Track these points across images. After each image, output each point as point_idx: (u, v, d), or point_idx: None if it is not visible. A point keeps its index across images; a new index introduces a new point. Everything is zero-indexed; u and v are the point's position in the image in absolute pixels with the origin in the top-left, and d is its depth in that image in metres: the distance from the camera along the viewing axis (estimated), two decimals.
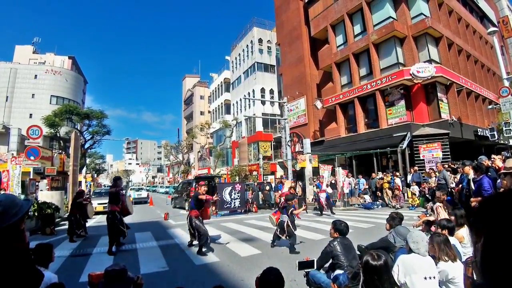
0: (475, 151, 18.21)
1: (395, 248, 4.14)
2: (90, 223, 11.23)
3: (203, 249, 6.55)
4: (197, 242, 6.70)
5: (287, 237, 6.63)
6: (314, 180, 17.25)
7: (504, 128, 13.44)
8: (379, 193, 15.74)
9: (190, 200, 8.60)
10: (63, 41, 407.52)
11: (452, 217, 4.33)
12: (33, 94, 37.98)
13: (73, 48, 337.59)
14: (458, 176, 9.18)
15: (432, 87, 18.87)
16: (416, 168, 15.63)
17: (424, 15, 19.51)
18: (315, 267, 3.62)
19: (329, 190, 14.49)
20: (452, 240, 3.56)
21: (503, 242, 0.50)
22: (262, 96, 32.50)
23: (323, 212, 13.17)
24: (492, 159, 6.54)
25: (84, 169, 31.03)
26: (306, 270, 3.66)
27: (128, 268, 2.51)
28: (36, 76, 38.79)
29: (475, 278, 2.57)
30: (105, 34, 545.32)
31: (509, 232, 0.50)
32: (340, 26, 23.27)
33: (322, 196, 13.35)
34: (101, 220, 12.24)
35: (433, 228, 4.67)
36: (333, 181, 16.04)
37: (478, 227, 0.57)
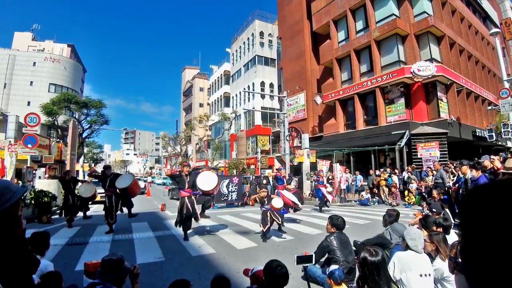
0: (472, 152, 18.31)
1: (390, 245, 4.17)
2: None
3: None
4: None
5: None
6: (311, 175, 17.24)
7: (502, 130, 13.48)
8: (375, 190, 15.81)
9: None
10: (62, 29, 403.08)
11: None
12: (31, 82, 37.67)
13: (73, 36, 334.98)
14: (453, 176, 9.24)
15: (432, 86, 18.85)
16: (413, 166, 15.69)
17: (427, 13, 19.39)
18: (314, 261, 3.64)
19: (330, 188, 14.27)
20: (448, 238, 3.58)
21: (485, 229, 0.51)
22: (262, 90, 32.36)
23: (323, 208, 12.63)
24: (491, 159, 6.57)
25: (82, 158, 31.03)
26: (304, 265, 3.68)
27: (124, 258, 2.50)
28: (34, 63, 38.43)
29: (458, 260, 2.61)
30: (105, 24, 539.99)
31: (490, 219, 0.51)
32: (342, 21, 23.11)
33: (325, 190, 12.83)
34: (98, 209, 12.21)
35: None
36: (330, 177, 16.05)
37: (465, 214, 0.59)
